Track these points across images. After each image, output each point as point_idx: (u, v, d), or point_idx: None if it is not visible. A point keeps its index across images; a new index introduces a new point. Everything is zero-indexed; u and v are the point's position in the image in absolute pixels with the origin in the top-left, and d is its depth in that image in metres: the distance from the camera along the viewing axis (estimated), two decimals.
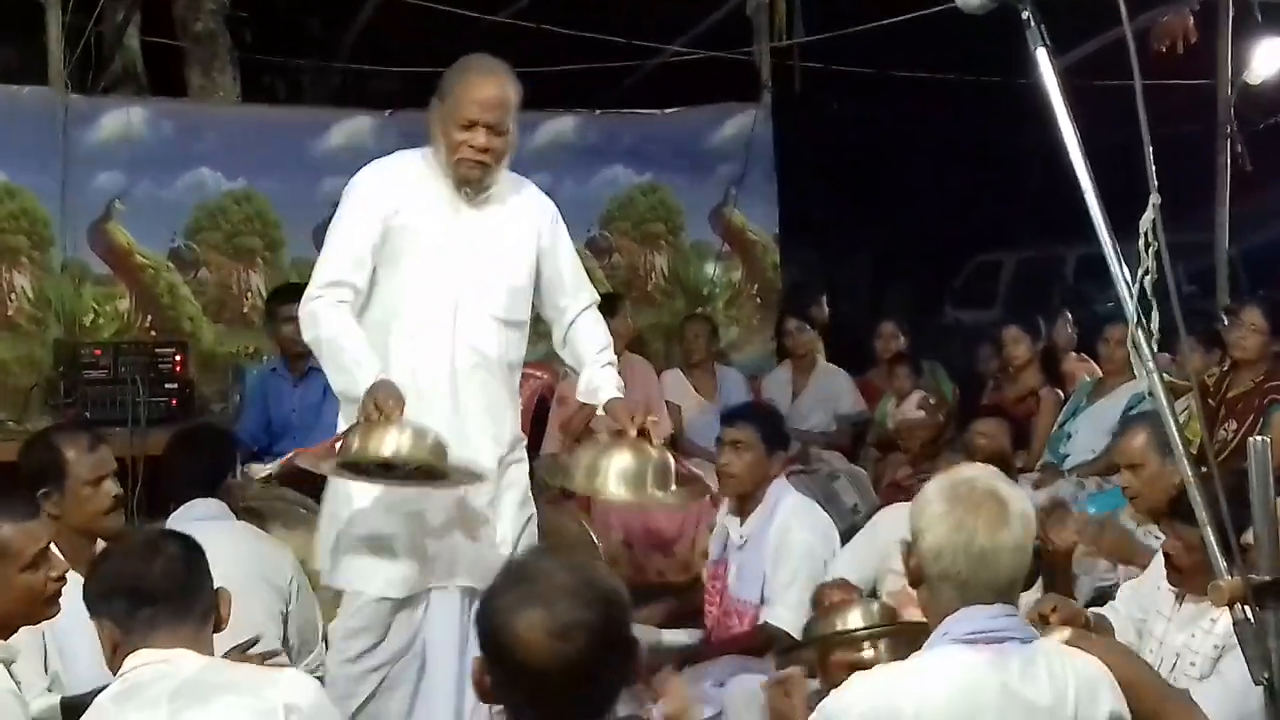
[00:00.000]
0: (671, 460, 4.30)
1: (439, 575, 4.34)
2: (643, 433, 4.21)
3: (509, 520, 4.45)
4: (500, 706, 2.38)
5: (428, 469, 4.03)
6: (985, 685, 2.78)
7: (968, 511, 2.85)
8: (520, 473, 4.54)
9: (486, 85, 4.26)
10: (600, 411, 4.43)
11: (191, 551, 3.09)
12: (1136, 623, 4.03)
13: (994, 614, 2.84)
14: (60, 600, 3.35)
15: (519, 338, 4.48)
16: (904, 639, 3.85)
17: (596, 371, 4.45)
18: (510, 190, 4.46)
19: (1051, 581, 4.42)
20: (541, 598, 2.32)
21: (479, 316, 4.33)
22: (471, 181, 4.30)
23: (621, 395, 4.41)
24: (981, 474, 3.02)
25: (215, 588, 3.08)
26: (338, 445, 4.13)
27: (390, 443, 3.96)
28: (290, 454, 4.32)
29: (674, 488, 4.28)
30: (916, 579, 2.93)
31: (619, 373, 4.53)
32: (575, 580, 2.35)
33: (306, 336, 4.33)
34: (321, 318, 4.23)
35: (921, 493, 2.97)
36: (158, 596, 2.98)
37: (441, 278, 4.30)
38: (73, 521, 4.01)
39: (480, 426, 4.36)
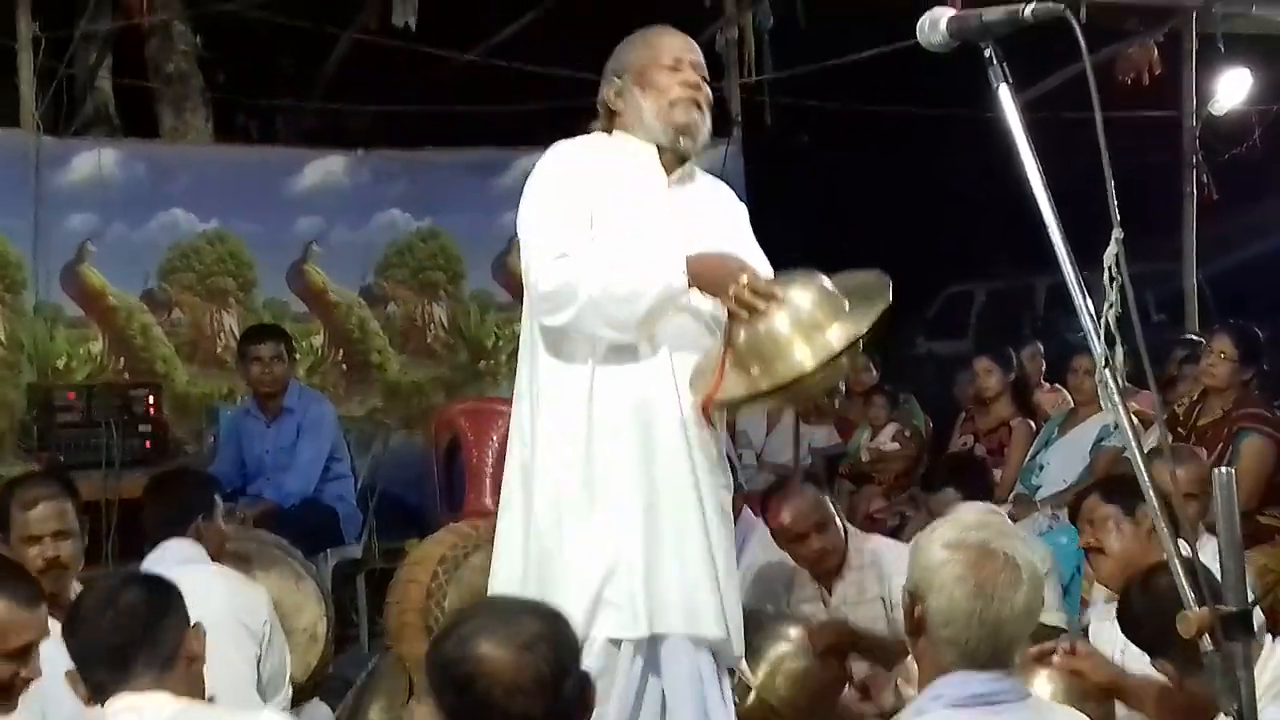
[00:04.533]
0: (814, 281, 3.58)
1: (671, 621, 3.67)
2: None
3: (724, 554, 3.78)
4: None
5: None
6: None
7: (985, 579, 2.76)
8: (729, 503, 3.91)
9: (673, 34, 3.89)
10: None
11: (154, 594, 3.06)
12: None
13: (988, 679, 2.76)
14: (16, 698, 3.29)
15: None
16: None
17: None
18: (704, 177, 3.99)
19: None
20: (497, 621, 2.32)
21: (697, 313, 3.71)
22: (691, 128, 3.77)
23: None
24: (993, 529, 2.92)
25: (190, 624, 3.05)
26: (742, 370, 3.45)
27: (805, 344, 3.36)
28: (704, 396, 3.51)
29: (850, 288, 3.59)
30: (917, 630, 2.85)
31: None
32: (522, 604, 2.35)
33: (563, 319, 3.62)
34: (571, 281, 3.57)
35: (929, 542, 2.87)
36: (114, 648, 2.96)
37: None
38: None
39: (710, 444, 3.76)
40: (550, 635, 2.31)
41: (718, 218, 3.90)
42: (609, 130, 3.89)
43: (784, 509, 4.88)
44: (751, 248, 3.90)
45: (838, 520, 4.99)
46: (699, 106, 3.79)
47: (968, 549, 2.81)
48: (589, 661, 3.21)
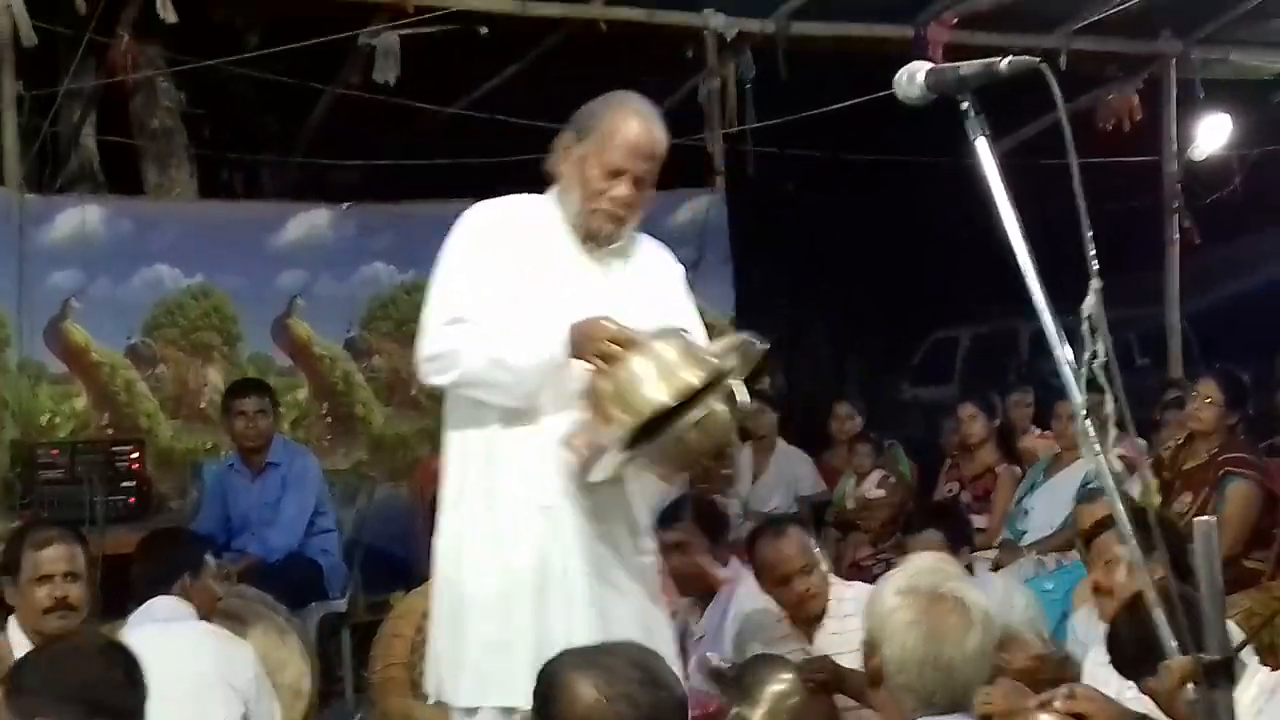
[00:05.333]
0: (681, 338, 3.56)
1: None
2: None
3: (635, 620, 3.76)
4: None
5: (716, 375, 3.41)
6: None
7: (935, 623, 2.78)
8: (651, 570, 3.92)
9: (640, 129, 3.71)
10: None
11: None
12: None
13: None
14: None
15: None
16: None
17: None
18: (633, 243, 3.89)
19: None
20: (604, 665, 2.32)
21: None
22: (601, 236, 3.75)
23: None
24: (942, 573, 2.95)
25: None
26: (606, 420, 3.45)
27: (664, 383, 3.36)
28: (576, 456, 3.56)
29: (713, 350, 3.57)
30: (876, 680, 2.87)
31: None
32: (640, 665, 2.34)
33: (447, 380, 3.69)
34: (455, 348, 3.64)
35: (880, 592, 2.91)
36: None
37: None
38: (21, 618, 4.01)
39: (614, 511, 3.77)
40: (639, 700, 2.30)
41: (641, 284, 3.85)
42: (553, 176, 3.83)
43: (770, 549, 4.88)
44: (680, 310, 3.88)
45: (822, 566, 5.00)
46: (619, 220, 3.74)
47: (917, 594, 2.84)
48: None
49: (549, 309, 3.65)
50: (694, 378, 3.37)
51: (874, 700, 2.93)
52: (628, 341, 3.46)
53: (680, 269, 4.01)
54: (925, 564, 3.07)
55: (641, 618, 3.77)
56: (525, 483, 3.68)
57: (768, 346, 3.58)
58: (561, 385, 3.60)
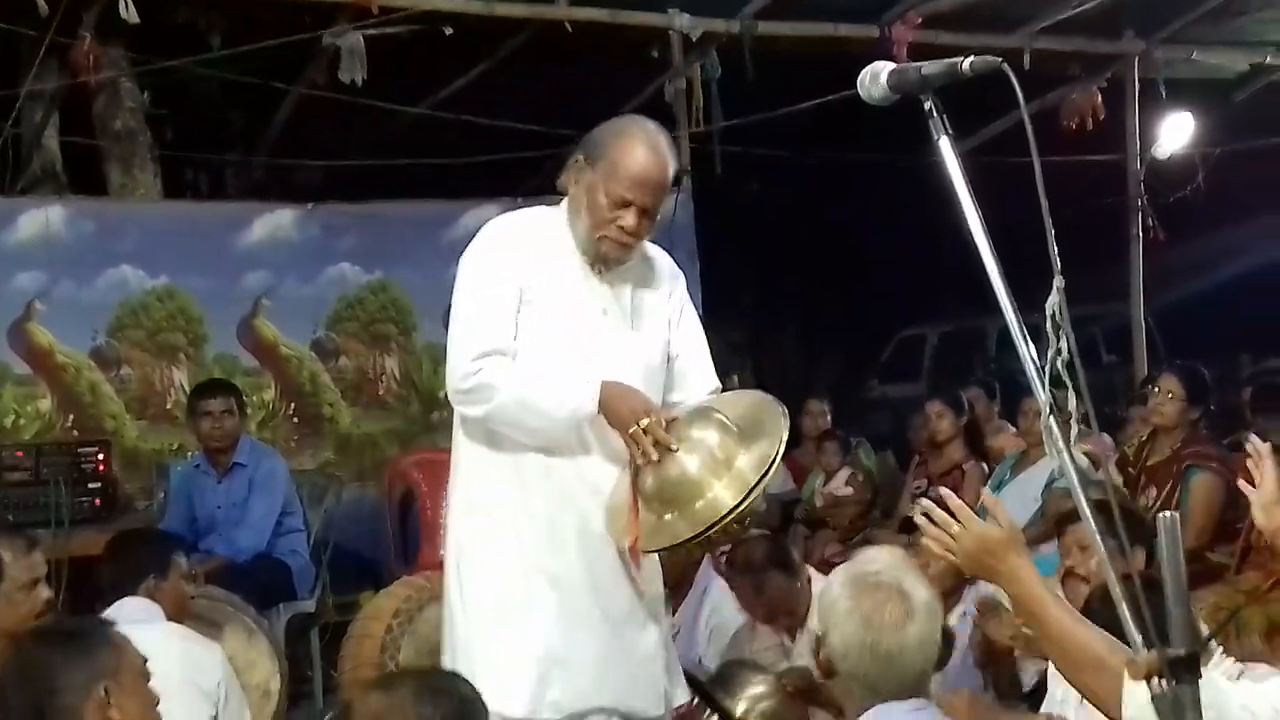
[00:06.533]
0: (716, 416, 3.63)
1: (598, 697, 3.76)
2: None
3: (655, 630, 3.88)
4: None
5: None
6: None
7: (873, 609, 2.83)
8: (657, 585, 3.98)
9: (648, 160, 3.72)
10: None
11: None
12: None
13: (908, 708, 2.82)
14: None
15: None
16: None
17: None
18: (641, 258, 3.94)
19: (996, 676, 4.44)
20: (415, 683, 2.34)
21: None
22: (610, 261, 3.80)
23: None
24: (886, 564, 2.99)
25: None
26: (650, 514, 3.55)
27: (721, 482, 3.44)
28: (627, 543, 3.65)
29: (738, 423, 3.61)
30: (827, 672, 2.92)
31: None
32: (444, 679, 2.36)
33: (478, 412, 3.75)
34: (490, 383, 3.69)
35: (828, 585, 2.95)
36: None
37: (574, 359, 3.75)
38: (4, 624, 3.97)
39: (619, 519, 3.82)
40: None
41: (650, 304, 3.93)
42: (563, 192, 3.87)
43: (754, 602, 4.91)
44: (683, 319, 3.99)
45: (804, 572, 5.00)
46: (626, 247, 3.78)
47: (858, 584, 2.88)
48: None
49: (561, 331, 3.75)
50: (749, 470, 3.43)
51: (837, 692, 2.97)
52: (663, 438, 3.51)
53: (682, 277, 4.07)
54: (871, 557, 3.11)
55: (651, 633, 3.85)
56: (552, 504, 3.76)
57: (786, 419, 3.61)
58: (590, 429, 3.70)
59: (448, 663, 3.86)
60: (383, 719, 2.39)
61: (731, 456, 3.48)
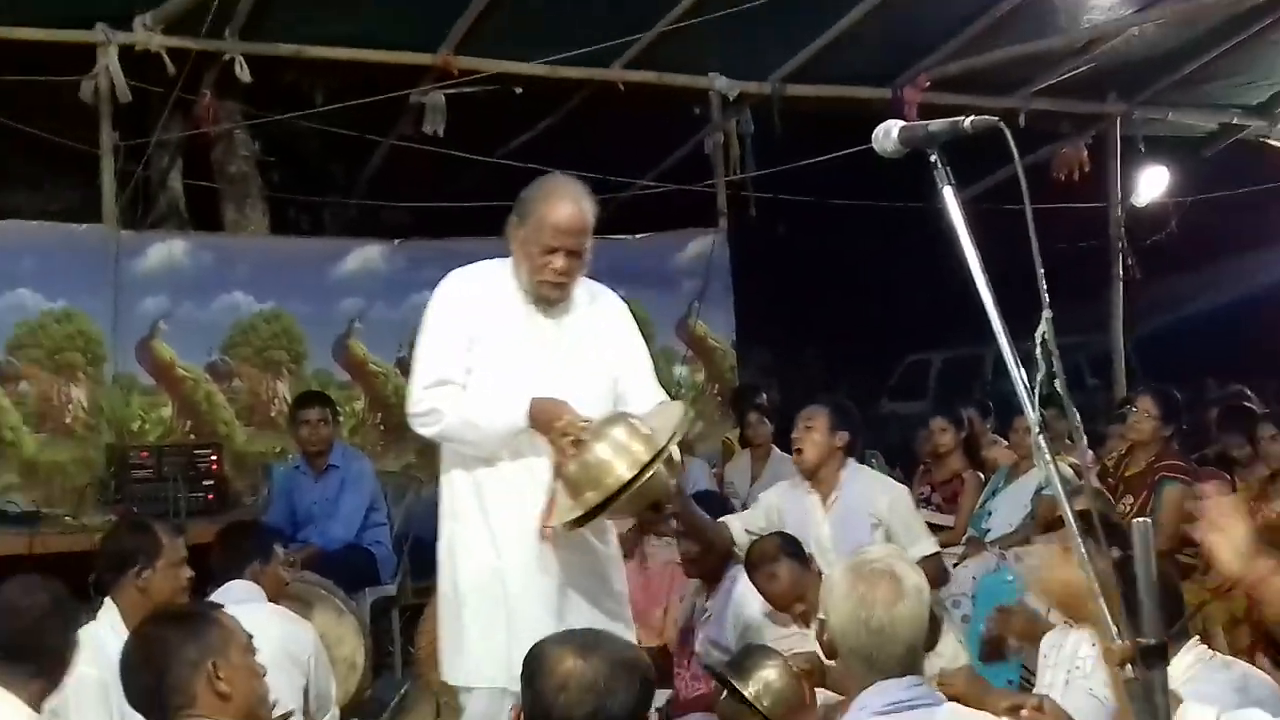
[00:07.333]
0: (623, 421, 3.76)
1: None
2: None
3: (592, 609, 4.00)
4: None
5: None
6: None
7: (867, 590, 2.83)
8: (611, 562, 4.13)
9: (566, 210, 3.90)
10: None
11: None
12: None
13: (905, 685, 2.80)
14: None
15: None
16: None
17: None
18: (584, 298, 4.10)
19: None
20: (580, 638, 2.31)
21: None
22: (551, 300, 3.98)
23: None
24: (882, 554, 3.00)
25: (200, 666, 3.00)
26: (565, 497, 3.71)
27: (610, 459, 3.60)
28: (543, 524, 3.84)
29: (652, 425, 3.74)
30: (831, 652, 2.91)
31: None
32: (612, 639, 2.34)
33: (431, 432, 3.94)
34: (437, 408, 3.89)
35: (831, 574, 2.95)
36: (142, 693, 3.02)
37: (524, 390, 3.86)
38: (155, 598, 4.03)
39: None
40: (612, 655, 2.30)
41: (589, 330, 4.06)
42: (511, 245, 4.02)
43: (764, 590, 4.86)
44: (626, 345, 4.15)
45: (814, 567, 4.95)
46: (561, 286, 3.95)
47: (856, 571, 2.88)
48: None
49: (513, 365, 3.91)
50: (643, 454, 3.59)
51: (838, 671, 2.96)
52: (575, 431, 3.68)
53: (623, 305, 4.23)
54: (873, 550, 3.11)
55: (598, 605, 4.00)
56: (503, 506, 3.94)
57: (693, 415, 3.80)
58: (525, 440, 3.86)
59: (441, 640, 4.08)
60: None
61: (633, 444, 3.62)
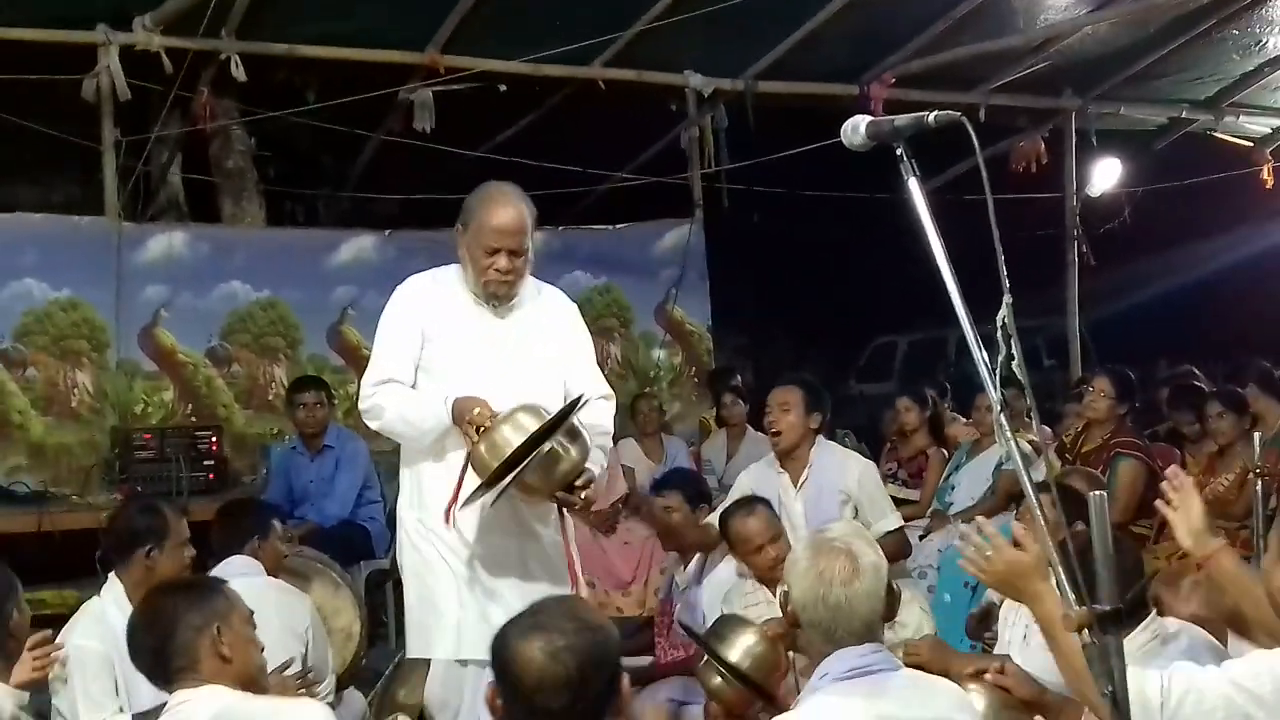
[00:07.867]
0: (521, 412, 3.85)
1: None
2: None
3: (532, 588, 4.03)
4: None
5: (547, 441, 3.73)
6: (865, 715, 2.74)
7: (825, 567, 2.84)
8: (550, 549, 4.18)
9: (504, 213, 3.98)
10: None
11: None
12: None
13: (864, 652, 2.81)
14: None
15: None
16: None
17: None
18: (532, 295, 4.17)
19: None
20: (542, 625, 2.30)
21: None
22: (499, 298, 4.06)
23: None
24: (841, 532, 3.01)
25: (205, 629, 3.01)
26: (483, 471, 3.78)
27: (509, 436, 3.72)
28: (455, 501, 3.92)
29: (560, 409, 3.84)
30: (793, 622, 2.92)
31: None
32: (571, 616, 2.33)
33: (376, 426, 4.08)
34: (380, 404, 4.02)
35: (794, 550, 2.96)
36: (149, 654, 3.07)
37: (475, 388, 3.93)
38: (162, 573, 4.04)
39: (508, 514, 4.03)
40: (577, 647, 2.28)
41: (536, 326, 4.15)
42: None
43: (742, 525, 4.85)
44: (572, 341, 4.22)
45: (786, 534, 4.97)
46: (507, 284, 4.04)
47: (816, 547, 2.89)
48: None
49: (466, 361, 4.03)
50: (532, 426, 3.73)
51: (800, 645, 2.97)
52: (478, 420, 3.79)
53: (569, 302, 4.31)
54: (831, 527, 3.12)
55: (536, 585, 4.04)
56: (435, 497, 4.02)
57: (586, 402, 3.94)
58: (453, 437, 3.95)
59: (407, 618, 4.21)
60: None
61: (533, 424, 3.74)
